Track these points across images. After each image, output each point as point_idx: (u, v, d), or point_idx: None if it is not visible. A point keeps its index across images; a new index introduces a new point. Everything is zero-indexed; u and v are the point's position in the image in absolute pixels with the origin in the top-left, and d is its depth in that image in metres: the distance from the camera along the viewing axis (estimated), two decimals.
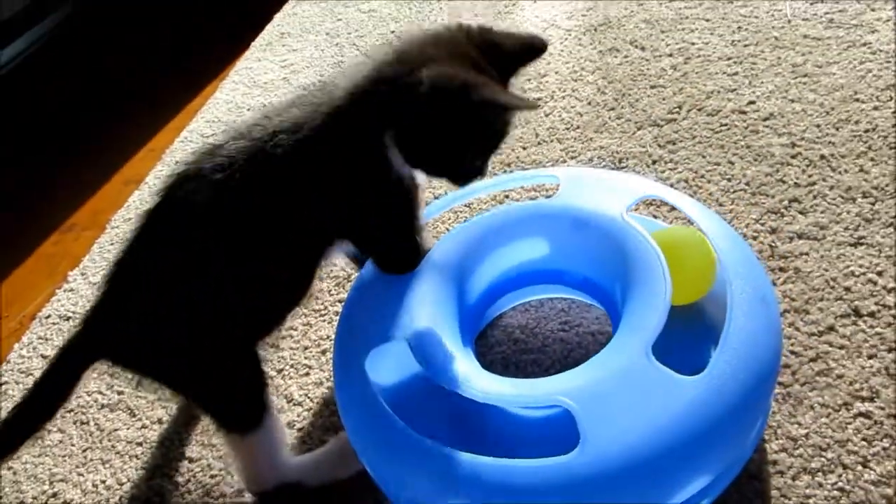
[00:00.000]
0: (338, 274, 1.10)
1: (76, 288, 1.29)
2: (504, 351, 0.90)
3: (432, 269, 0.81)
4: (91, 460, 0.95)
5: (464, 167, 0.73)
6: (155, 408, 0.99)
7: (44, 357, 1.13)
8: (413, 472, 0.66)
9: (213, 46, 2.13)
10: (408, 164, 0.72)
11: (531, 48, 0.72)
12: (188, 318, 0.72)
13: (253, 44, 1.98)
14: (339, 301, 1.04)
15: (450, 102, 0.65)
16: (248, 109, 1.67)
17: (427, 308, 0.76)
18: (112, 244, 1.38)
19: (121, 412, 1.01)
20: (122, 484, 0.91)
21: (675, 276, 0.70)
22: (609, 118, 1.24)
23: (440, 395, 0.78)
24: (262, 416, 0.77)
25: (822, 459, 0.71)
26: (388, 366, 0.78)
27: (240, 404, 0.77)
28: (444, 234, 0.88)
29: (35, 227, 1.58)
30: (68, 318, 1.22)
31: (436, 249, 0.83)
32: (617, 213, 0.79)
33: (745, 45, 1.30)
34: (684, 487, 0.60)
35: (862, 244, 0.90)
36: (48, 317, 1.22)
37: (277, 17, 2.07)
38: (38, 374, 0.81)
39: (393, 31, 1.76)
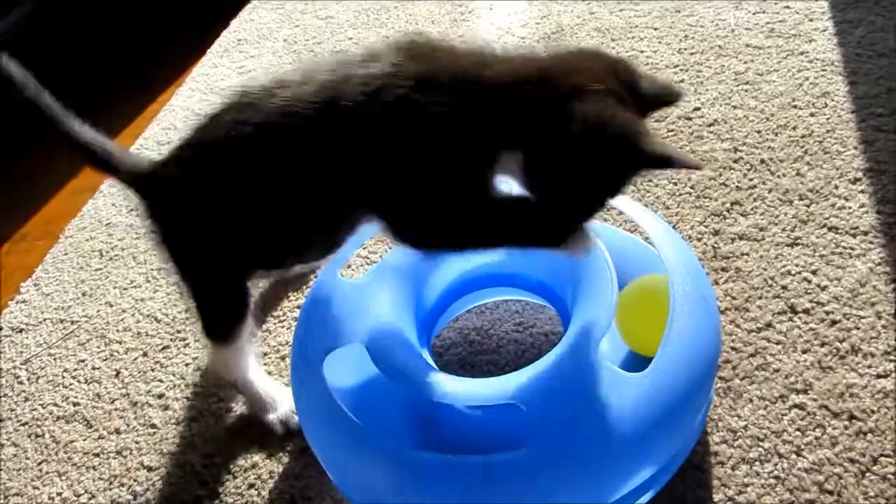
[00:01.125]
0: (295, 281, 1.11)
1: (29, 299, 1.27)
2: (460, 352, 0.92)
3: (389, 272, 0.83)
4: (47, 473, 0.95)
5: (588, 212, 0.69)
6: (112, 418, 0.99)
7: None
8: (370, 472, 0.68)
9: (169, 53, 2.11)
10: (528, 188, 0.67)
11: (667, 97, 0.68)
12: (221, 215, 0.75)
13: (209, 50, 1.98)
14: (298, 307, 1.05)
15: (605, 151, 0.61)
16: None
17: (384, 310, 0.78)
18: (65, 254, 1.36)
19: (77, 423, 1.00)
20: (78, 496, 0.91)
21: (657, 326, 0.70)
22: None
23: (396, 396, 0.80)
24: (232, 338, 0.84)
25: (760, 449, 0.74)
26: (346, 368, 0.79)
27: (219, 319, 0.84)
28: None
29: None
30: (21, 331, 1.20)
31: (392, 254, 0.85)
32: None
33: (692, 54, 1.35)
34: (631, 479, 0.63)
35: (798, 244, 0.95)
36: (0, 329, 1.21)
37: (234, 24, 2.06)
38: None
39: (351, 38, 1.77)
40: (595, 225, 0.78)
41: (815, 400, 0.77)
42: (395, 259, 0.84)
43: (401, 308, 0.81)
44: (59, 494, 0.91)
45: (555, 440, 0.63)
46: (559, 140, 0.62)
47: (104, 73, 2.11)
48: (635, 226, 0.96)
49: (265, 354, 1.00)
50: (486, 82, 0.64)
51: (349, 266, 1.09)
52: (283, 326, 1.04)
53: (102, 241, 1.36)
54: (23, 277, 1.33)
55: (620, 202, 0.86)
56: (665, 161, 0.61)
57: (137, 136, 1.70)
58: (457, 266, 0.87)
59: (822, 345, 0.82)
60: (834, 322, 0.84)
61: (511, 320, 0.95)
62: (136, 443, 0.95)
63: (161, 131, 1.68)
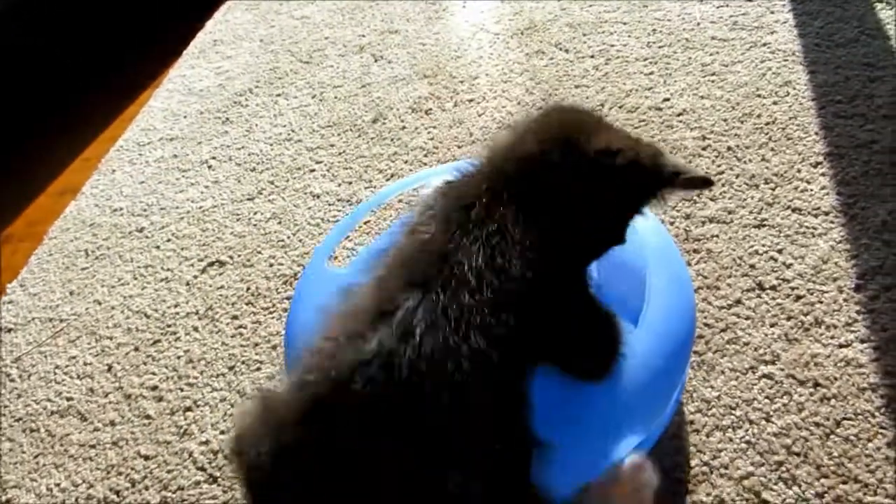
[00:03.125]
0: (284, 272, 1.14)
1: (16, 300, 1.28)
2: None
3: (375, 262, 0.86)
4: (43, 465, 0.96)
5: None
6: (106, 411, 1.01)
7: None
8: None
9: (145, 55, 2.12)
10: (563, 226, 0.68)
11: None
12: None
13: (185, 52, 1.99)
14: (287, 298, 1.08)
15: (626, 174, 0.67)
16: (185, 117, 1.68)
17: None
18: (50, 255, 1.37)
19: (71, 417, 1.02)
20: (77, 486, 0.93)
21: None
22: None
23: None
24: None
25: (732, 417, 0.79)
26: None
27: None
28: (384, 230, 0.93)
29: None
30: (10, 331, 1.21)
31: (375, 243, 0.88)
32: None
33: (660, 47, 1.39)
34: (615, 449, 0.67)
35: (764, 226, 0.99)
36: None
37: (209, 25, 2.08)
38: None
39: (327, 38, 1.80)
40: None
41: (782, 370, 0.82)
42: (380, 247, 0.87)
43: None
44: (57, 485, 0.93)
45: (541, 413, 0.66)
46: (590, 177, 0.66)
47: (80, 78, 2.11)
48: None
49: (256, 345, 1.03)
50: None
51: (336, 257, 1.12)
52: (273, 318, 1.06)
53: (87, 241, 1.37)
54: (8, 279, 1.34)
55: None
56: (675, 177, 0.67)
57: (116, 139, 1.70)
58: None
59: (789, 318, 0.87)
60: (799, 297, 0.89)
61: None
62: (132, 433, 0.97)
63: (140, 133, 1.69)
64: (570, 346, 0.65)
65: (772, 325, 0.87)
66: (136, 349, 1.09)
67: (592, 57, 1.42)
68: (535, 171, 0.66)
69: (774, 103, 1.19)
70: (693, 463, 0.76)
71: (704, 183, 0.69)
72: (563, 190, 0.65)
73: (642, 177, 0.67)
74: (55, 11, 2.04)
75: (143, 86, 1.97)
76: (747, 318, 0.88)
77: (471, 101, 1.40)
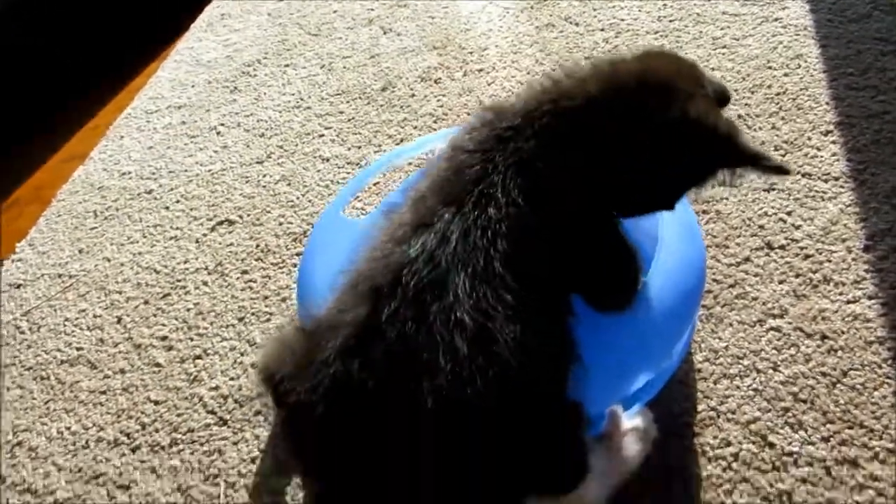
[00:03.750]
0: (294, 230, 1.14)
1: (25, 258, 1.29)
2: None
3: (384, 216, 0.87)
4: (54, 410, 0.97)
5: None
6: (116, 360, 1.02)
7: None
8: None
9: (153, 29, 2.12)
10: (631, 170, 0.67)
11: (724, 96, 0.71)
12: None
13: (193, 25, 1.99)
14: (297, 254, 1.09)
15: (707, 145, 0.65)
16: (193, 86, 1.68)
17: None
18: (59, 216, 1.38)
19: (81, 366, 1.03)
20: (87, 429, 0.93)
21: None
22: None
23: None
24: None
25: (740, 366, 0.80)
26: None
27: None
28: (401, 178, 0.94)
29: None
30: (19, 286, 1.22)
31: (393, 194, 0.89)
32: None
33: (671, 21, 1.40)
34: (630, 382, 0.68)
35: (774, 189, 1.00)
36: None
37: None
38: None
39: (335, 11, 1.80)
40: None
41: (790, 323, 0.83)
42: (396, 198, 0.88)
43: None
44: (67, 428, 0.94)
45: None
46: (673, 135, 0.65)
47: (89, 51, 2.11)
48: None
49: (266, 297, 1.04)
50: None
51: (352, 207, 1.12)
52: (283, 273, 1.07)
53: (96, 202, 1.38)
54: (16, 240, 1.34)
55: None
56: (755, 159, 0.65)
57: (124, 108, 1.71)
58: None
59: (797, 276, 0.88)
60: (807, 256, 0.90)
61: None
62: (142, 380, 0.97)
63: (149, 101, 1.69)
64: (597, 279, 0.66)
65: (780, 282, 0.88)
66: (146, 302, 1.10)
67: (602, 30, 1.43)
68: (602, 115, 0.65)
69: (785, 75, 1.20)
70: (700, 408, 0.77)
71: (779, 171, 0.66)
72: (627, 142, 0.64)
73: (713, 152, 0.66)
74: None
75: (150, 58, 1.97)
76: (756, 274, 0.89)
77: (480, 70, 1.41)
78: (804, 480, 0.70)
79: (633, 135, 0.64)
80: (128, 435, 0.91)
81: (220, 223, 1.22)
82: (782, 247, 0.92)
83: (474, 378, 0.52)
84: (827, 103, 1.12)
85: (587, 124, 0.64)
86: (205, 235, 1.20)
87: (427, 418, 0.52)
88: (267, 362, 0.61)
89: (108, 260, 1.22)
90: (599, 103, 0.65)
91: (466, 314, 0.54)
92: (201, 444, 0.88)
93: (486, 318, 0.54)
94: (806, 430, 0.73)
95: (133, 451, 0.90)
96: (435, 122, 1.31)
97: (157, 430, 0.90)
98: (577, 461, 0.60)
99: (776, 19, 1.33)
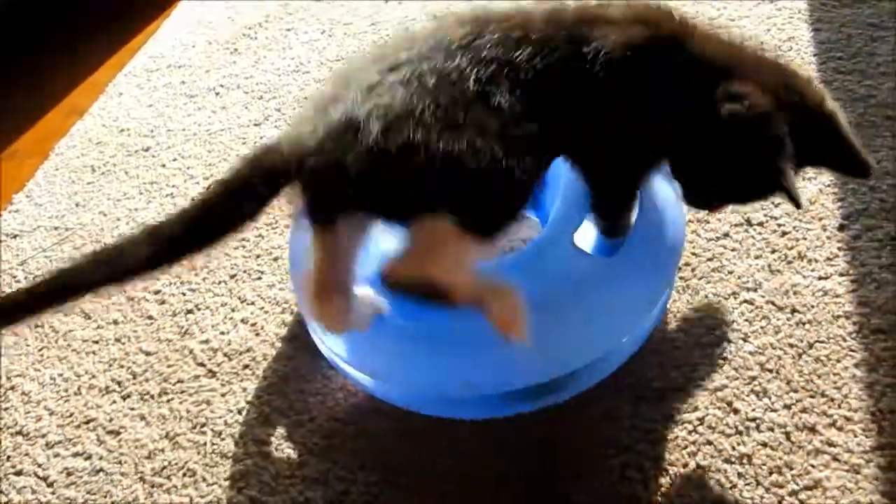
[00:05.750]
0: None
1: (22, 209, 1.31)
2: None
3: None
4: (47, 357, 1.00)
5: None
6: (110, 311, 1.04)
7: None
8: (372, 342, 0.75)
9: None
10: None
11: (851, 167, 0.71)
12: None
13: None
14: (289, 215, 1.11)
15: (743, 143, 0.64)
16: (193, 46, 1.69)
17: None
18: (57, 169, 1.40)
19: (75, 316, 1.05)
20: (79, 376, 0.96)
21: None
22: None
23: None
24: None
25: (711, 336, 0.83)
26: None
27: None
28: None
29: None
30: (16, 236, 1.24)
31: None
32: None
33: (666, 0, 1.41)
34: (604, 342, 0.72)
35: None
36: None
37: None
38: None
39: None
40: None
41: (763, 297, 0.86)
42: None
43: None
44: (59, 375, 0.97)
45: (536, 309, 0.70)
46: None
47: (88, 7, 2.10)
48: None
49: (258, 256, 1.06)
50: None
51: None
52: (275, 233, 1.09)
53: (94, 157, 1.39)
54: (14, 190, 1.36)
55: None
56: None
57: (124, 66, 1.72)
58: None
59: (773, 251, 0.91)
60: (784, 233, 0.93)
61: None
62: (134, 332, 1.00)
63: (149, 59, 1.70)
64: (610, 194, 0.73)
65: (756, 257, 0.90)
66: None
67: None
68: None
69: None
70: (672, 375, 0.80)
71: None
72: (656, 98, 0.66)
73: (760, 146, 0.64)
74: None
75: (151, 17, 1.97)
76: (733, 249, 0.92)
77: None
78: (765, 444, 0.73)
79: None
80: (119, 383, 0.94)
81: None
82: (761, 223, 0.95)
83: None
84: None
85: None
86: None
87: None
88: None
89: (105, 214, 1.24)
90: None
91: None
92: (190, 395, 0.91)
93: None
94: (770, 398, 0.76)
95: (124, 398, 0.93)
96: None
97: (147, 380, 0.93)
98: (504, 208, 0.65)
99: (771, 1, 1.34)
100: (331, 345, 0.80)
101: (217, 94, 1.49)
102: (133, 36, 1.92)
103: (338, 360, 0.82)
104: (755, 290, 0.87)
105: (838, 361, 0.78)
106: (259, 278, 1.03)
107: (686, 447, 0.75)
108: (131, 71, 1.68)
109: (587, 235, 0.79)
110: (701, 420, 0.76)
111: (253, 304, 0.99)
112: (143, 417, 0.90)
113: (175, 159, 1.32)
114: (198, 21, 1.81)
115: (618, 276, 0.73)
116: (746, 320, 0.84)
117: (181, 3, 1.92)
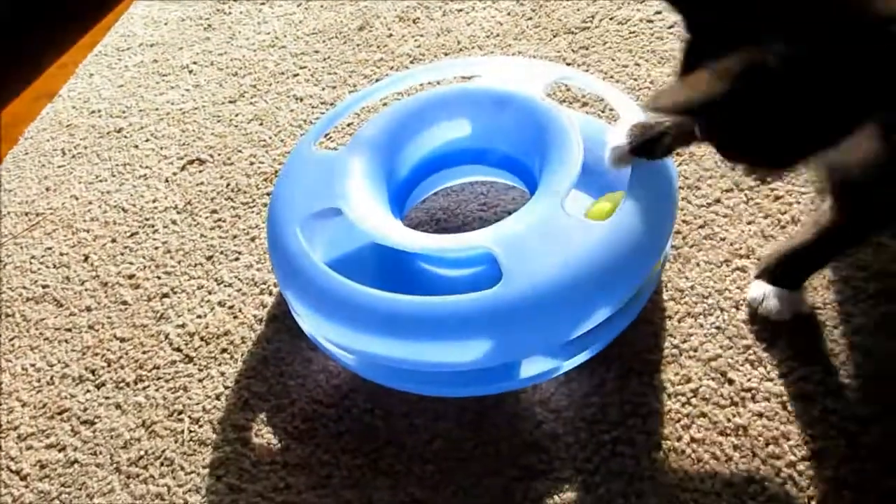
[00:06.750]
0: (265, 170, 1.12)
1: None
2: (426, 230, 0.96)
3: (361, 145, 0.85)
4: (18, 347, 0.96)
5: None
6: (83, 297, 1.01)
7: None
8: (349, 320, 0.72)
9: None
10: None
11: None
12: None
13: None
14: (266, 193, 1.07)
15: None
16: (165, 23, 1.63)
17: (357, 181, 0.81)
18: (26, 153, 1.35)
19: (47, 304, 1.02)
20: (52, 365, 0.93)
21: None
22: (527, 27, 1.29)
23: (369, 262, 0.83)
24: None
25: (704, 305, 0.80)
26: (320, 239, 0.82)
27: None
28: (371, 117, 0.92)
29: None
30: None
31: (364, 129, 0.87)
32: (536, 92, 0.85)
33: None
34: (592, 314, 0.69)
35: None
36: None
37: None
38: None
39: None
40: (571, 113, 0.82)
41: (756, 263, 0.83)
42: (367, 134, 0.87)
43: (374, 179, 0.83)
44: (32, 365, 0.93)
45: (525, 279, 0.67)
46: None
47: None
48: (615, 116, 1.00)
49: (235, 237, 1.02)
50: None
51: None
52: (253, 212, 1.06)
53: (64, 140, 1.35)
54: None
55: (588, 79, 0.91)
56: None
57: (94, 46, 1.66)
58: (428, 141, 0.90)
59: (766, 217, 0.88)
60: (777, 198, 0.90)
61: (476, 201, 0.98)
62: (108, 318, 0.97)
63: (120, 38, 1.65)
64: None
65: (749, 223, 0.88)
66: (114, 241, 1.08)
67: None
68: None
69: None
70: (665, 345, 0.77)
71: None
72: None
73: None
74: None
75: None
76: (725, 215, 0.89)
77: (460, 10, 1.38)
78: (761, 415, 0.71)
79: None
80: (93, 371, 0.91)
81: (191, 162, 1.20)
82: (751, 188, 0.91)
83: None
84: None
85: None
86: (174, 174, 1.18)
87: None
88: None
89: (76, 198, 1.19)
90: None
91: None
92: (166, 381, 0.88)
93: None
94: (765, 367, 0.74)
95: (98, 387, 0.89)
96: (412, 62, 1.28)
97: (122, 367, 0.90)
98: None
99: None
100: (312, 323, 0.77)
101: (190, 71, 1.44)
102: (104, 15, 1.86)
103: (320, 338, 0.79)
104: (748, 257, 0.84)
105: (835, 328, 0.75)
106: (236, 259, 0.99)
107: (679, 420, 0.72)
108: (102, 51, 1.62)
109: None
110: (694, 392, 0.74)
111: (230, 285, 0.96)
112: (118, 406, 0.87)
113: (148, 140, 1.28)
114: None
115: (611, 242, 0.70)
116: (739, 288, 0.81)
117: None
